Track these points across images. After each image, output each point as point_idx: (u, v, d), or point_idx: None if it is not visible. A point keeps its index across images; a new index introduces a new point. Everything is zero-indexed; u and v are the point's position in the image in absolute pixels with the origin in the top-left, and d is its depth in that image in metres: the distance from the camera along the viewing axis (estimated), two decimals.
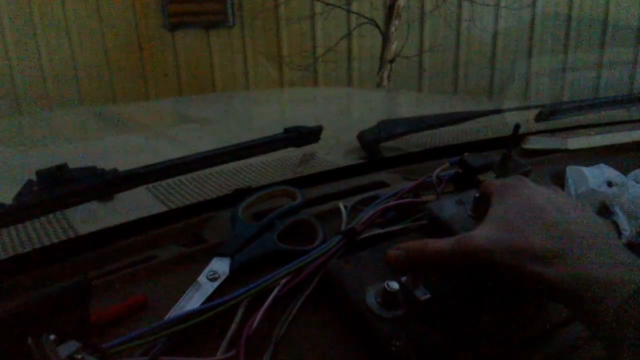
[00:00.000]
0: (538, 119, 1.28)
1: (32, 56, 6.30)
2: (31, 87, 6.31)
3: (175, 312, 0.64)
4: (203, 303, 0.65)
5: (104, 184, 0.87)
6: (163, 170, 0.94)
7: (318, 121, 1.17)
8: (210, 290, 0.68)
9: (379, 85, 6.43)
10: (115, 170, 0.90)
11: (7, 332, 0.44)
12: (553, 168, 1.03)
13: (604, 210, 0.84)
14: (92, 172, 0.87)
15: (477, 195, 0.68)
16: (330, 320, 0.65)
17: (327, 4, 6.66)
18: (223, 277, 0.70)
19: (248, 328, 0.60)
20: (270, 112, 2.63)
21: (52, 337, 0.45)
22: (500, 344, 0.61)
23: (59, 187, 0.83)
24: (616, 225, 0.81)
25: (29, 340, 0.43)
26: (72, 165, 0.86)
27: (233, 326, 0.61)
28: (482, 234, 0.56)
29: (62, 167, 0.84)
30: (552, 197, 0.59)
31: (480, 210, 0.68)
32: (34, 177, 0.85)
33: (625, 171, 0.90)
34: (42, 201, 0.82)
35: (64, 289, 0.49)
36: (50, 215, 0.93)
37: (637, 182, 0.87)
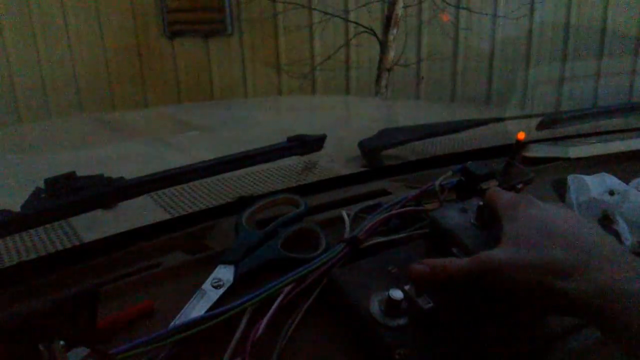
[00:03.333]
0: (539, 127, 1.28)
1: (32, 64, 6.31)
2: (31, 95, 6.31)
3: (180, 319, 0.64)
4: (208, 310, 0.65)
5: (112, 192, 0.87)
6: (169, 178, 0.94)
7: (318, 129, 1.17)
8: (215, 298, 0.68)
9: (377, 93, 6.43)
10: (122, 179, 0.90)
11: (18, 338, 0.45)
12: (555, 176, 1.03)
13: (606, 219, 0.84)
14: (99, 180, 0.87)
15: (480, 203, 0.69)
16: (334, 328, 0.65)
17: (326, 13, 6.67)
18: (227, 285, 0.70)
19: (252, 335, 0.60)
20: (270, 120, 2.64)
21: (61, 343, 0.45)
22: (505, 353, 0.61)
23: (67, 195, 0.83)
24: (618, 234, 0.81)
25: (41, 346, 0.43)
26: (78, 172, 0.87)
27: (237, 334, 0.61)
28: (502, 253, 0.56)
29: (70, 175, 0.84)
30: (561, 212, 0.59)
31: (484, 218, 0.68)
32: (41, 185, 0.85)
33: (626, 180, 0.90)
34: (50, 209, 0.83)
35: (73, 295, 0.49)
36: (55, 223, 0.93)
37: (639, 191, 0.87)
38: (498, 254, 0.56)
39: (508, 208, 0.62)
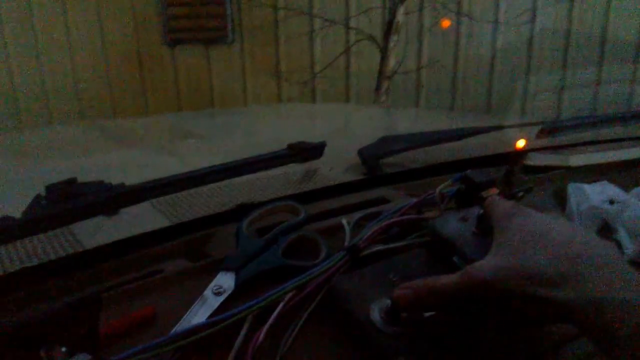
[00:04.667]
0: (540, 135, 1.28)
1: (34, 72, 6.32)
2: (33, 103, 6.32)
3: (181, 326, 0.64)
4: (209, 317, 0.65)
5: (113, 199, 0.88)
6: (169, 184, 0.94)
7: (318, 137, 1.17)
8: (216, 305, 0.68)
9: (376, 101, 6.43)
10: (122, 185, 0.90)
11: (20, 344, 0.45)
12: (555, 185, 1.03)
13: (606, 228, 0.84)
14: (100, 187, 0.87)
15: (480, 212, 0.69)
16: (335, 335, 0.65)
17: (326, 20, 6.67)
18: (228, 292, 0.70)
19: (253, 343, 0.60)
20: (270, 128, 2.64)
21: (63, 349, 0.45)
22: None
23: (68, 201, 0.83)
24: (618, 243, 0.81)
25: (42, 352, 0.43)
26: (78, 179, 0.87)
27: (238, 341, 0.61)
28: (489, 264, 0.56)
29: (71, 182, 0.85)
30: (554, 223, 0.59)
31: (484, 227, 0.68)
32: (41, 191, 0.85)
33: (627, 188, 0.90)
34: (51, 215, 0.83)
35: (75, 302, 0.49)
36: (56, 229, 0.93)
37: (639, 200, 0.87)
38: (485, 265, 0.56)
39: (501, 218, 0.62)
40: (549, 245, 0.54)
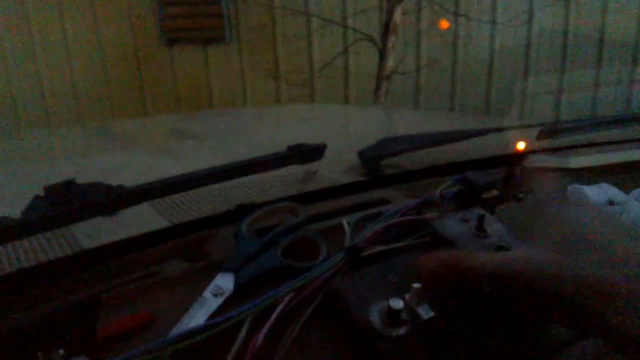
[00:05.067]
0: (539, 137, 1.28)
1: (32, 73, 6.32)
2: (30, 104, 6.32)
3: (179, 328, 0.63)
4: (207, 319, 0.65)
5: (112, 200, 0.87)
6: (169, 186, 0.94)
7: (318, 138, 1.17)
8: (215, 306, 0.68)
9: (376, 102, 6.43)
10: (121, 187, 0.90)
11: (18, 346, 0.44)
12: (555, 186, 1.03)
13: None
14: (99, 188, 0.87)
15: (481, 213, 0.69)
16: (334, 337, 0.65)
17: (324, 20, 6.67)
18: (227, 293, 0.70)
19: (252, 345, 0.60)
20: (270, 129, 2.64)
21: (61, 352, 0.45)
22: None
23: (67, 202, 0.83)
24: None
25: (40, 355, 0.43)
26: (77, 181, 0.87)
27: (237, 343, 0.61)
28: (527, 256, 0.52)
29: (70, 183, 0.84)
30: (598, 216, 0.57)
31: (484, 228, 0.68)
32: (40, 192, 0.85)
33: (627, 190, 0.90)
34: (50, 216, 0.83)
35: (73, 304, 0.49)
36: (54, 230, 0.93)
37: (639, 201, 0.87)
38: (523, 257, 0.52)
39: (535, 213, 0.60)
40: (591, 245, 0.53)
